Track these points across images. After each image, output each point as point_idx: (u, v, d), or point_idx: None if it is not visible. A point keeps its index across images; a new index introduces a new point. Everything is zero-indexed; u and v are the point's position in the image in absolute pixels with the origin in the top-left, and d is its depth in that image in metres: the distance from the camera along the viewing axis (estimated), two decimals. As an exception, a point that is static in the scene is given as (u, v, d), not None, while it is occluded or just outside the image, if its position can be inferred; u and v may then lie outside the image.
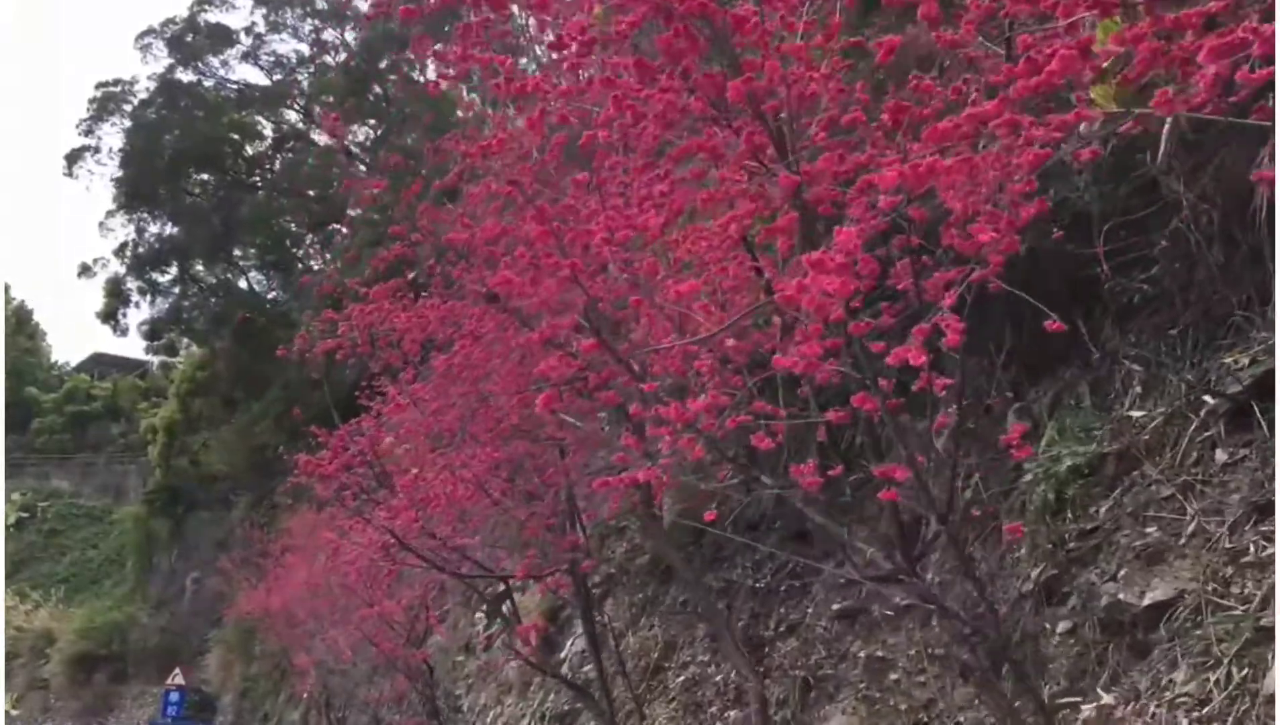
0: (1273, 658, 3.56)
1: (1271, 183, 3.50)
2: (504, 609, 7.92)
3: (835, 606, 6.66)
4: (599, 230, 3.78)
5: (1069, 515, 4.92)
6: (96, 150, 29.29)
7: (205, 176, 31.57)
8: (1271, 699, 3.48)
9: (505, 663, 11.33)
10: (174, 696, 24.73)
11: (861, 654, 6.03)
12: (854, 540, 4.19)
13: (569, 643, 10.62)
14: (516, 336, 4.59)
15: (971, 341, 2.93)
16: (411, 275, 5.39)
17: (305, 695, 18.58)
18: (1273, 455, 4.04)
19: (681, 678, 8.49)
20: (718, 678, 8.10)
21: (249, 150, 32.69)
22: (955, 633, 4.63)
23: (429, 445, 5.29)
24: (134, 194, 29.60)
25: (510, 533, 6.64)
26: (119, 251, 29.78)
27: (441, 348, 4.99)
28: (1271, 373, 4.14)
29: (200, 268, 32.27)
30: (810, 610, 7.29)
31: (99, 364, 61.46)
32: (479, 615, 14.75)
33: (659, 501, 4.44)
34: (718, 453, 3.76)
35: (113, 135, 29.56)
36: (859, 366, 3.22)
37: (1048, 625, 4.86)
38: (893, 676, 5.71)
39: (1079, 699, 4.47)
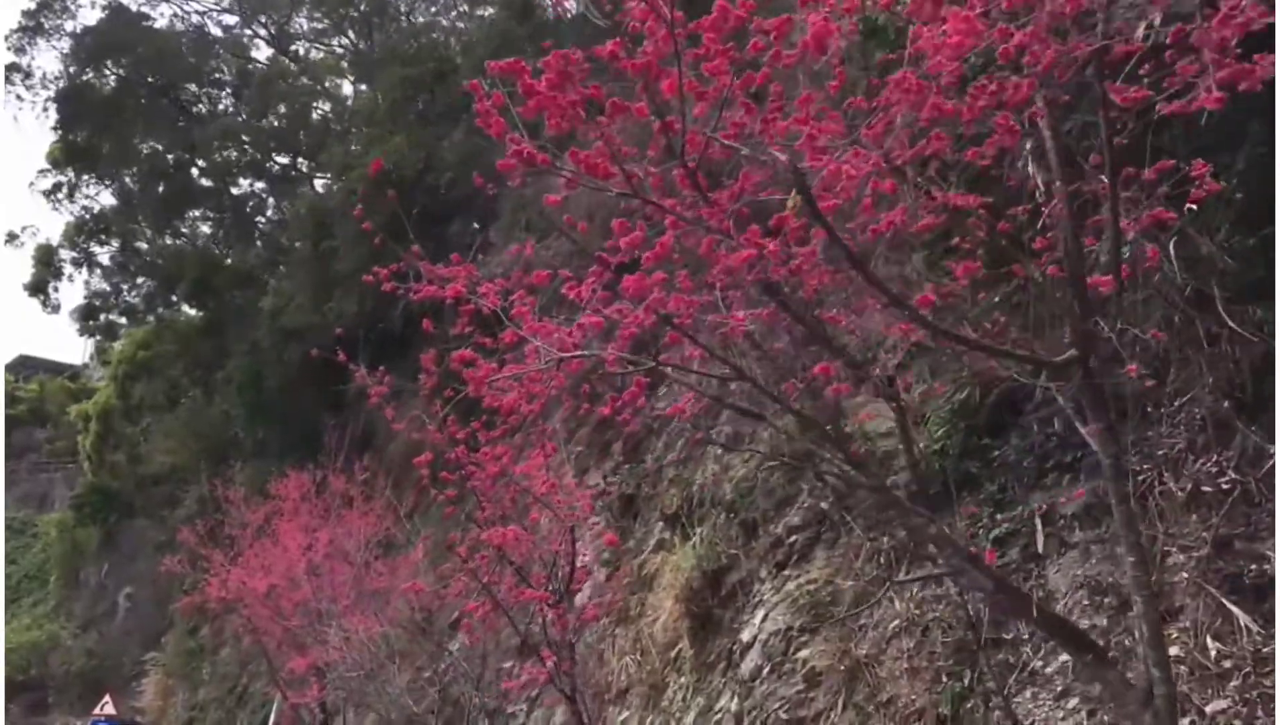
0: None
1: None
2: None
3: None
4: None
5: None
6: (29, 74, 24.91)
7: (156, 126, 27.20)
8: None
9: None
10: (102, 729, 21.38)
11: None
12: None
13: (756, 618, 6.80)
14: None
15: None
16: None
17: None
18: None
19: (1050, 666, 4.80)
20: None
21: (205, 104, 28.50)
22: None
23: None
24: (70, 142, 25.23)
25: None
26: (50, 193, 25.24)
27: None
28: None
29: (147, 234, 27.93)
30: None
31: (26, 367, 57.33)
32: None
33: None
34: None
35: (48, 57, 25.42)
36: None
37: None
38: None
39: None
